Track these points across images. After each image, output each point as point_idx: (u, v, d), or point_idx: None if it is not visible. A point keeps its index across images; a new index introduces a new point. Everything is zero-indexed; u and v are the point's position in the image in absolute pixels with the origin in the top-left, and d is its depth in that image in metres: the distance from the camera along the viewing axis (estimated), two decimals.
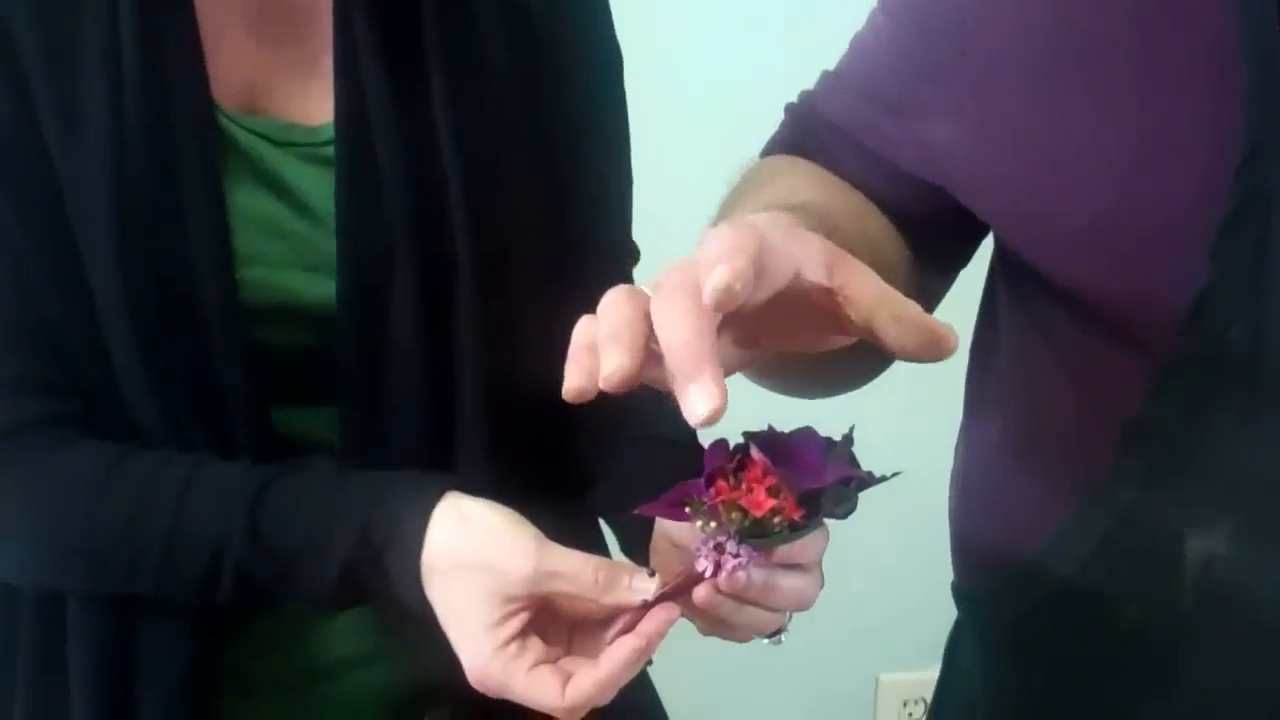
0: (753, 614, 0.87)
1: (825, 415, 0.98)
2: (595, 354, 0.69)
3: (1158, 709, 0.97)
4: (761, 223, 0.75)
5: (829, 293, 0.73)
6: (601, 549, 1.14)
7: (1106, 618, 0.96)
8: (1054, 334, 0.98)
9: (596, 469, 1.09)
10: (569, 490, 1.10)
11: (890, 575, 2.07)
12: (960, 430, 1.15)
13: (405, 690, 1.11)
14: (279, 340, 1.01)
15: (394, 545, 0.91)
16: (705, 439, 0.84)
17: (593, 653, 0.87)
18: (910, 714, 2.25)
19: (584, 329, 0.71)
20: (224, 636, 1.04)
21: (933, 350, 0.73)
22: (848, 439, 0.86)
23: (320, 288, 1.00)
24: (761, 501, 0.81)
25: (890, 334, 0.72)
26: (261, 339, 1.00)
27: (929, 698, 2.25)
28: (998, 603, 1.04)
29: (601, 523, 1.15)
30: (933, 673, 2.29)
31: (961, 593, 1.14)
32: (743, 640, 0.91)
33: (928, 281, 1.08)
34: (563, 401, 0.70)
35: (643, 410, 1.01)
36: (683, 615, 0.87)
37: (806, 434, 0.85)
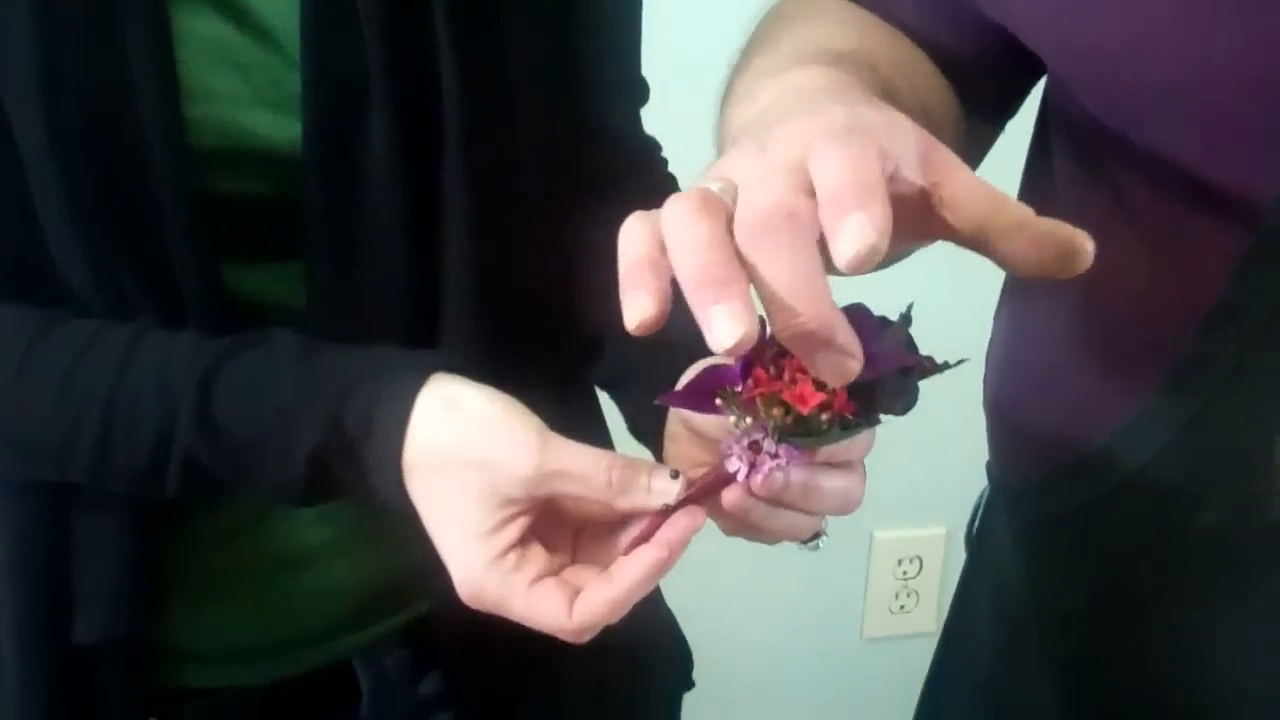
0: (788, 518, 0.77)
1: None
2: (661, 272, 0.58)
3: (1223, 628, 0.88)
4: (870, 117, 0.63)
5: (922, 192, 0.61)
6: (603, 436, 1.04)
7: (1176, 521, 0.87)
8: (1126, 198, 0.87)
9: (602, 334, 0.98)
10: (569, 367, 0.99)
11: (886, 428, 2.02)
12: (1002, 298, 1.04)
13: (380, 584, 1.00)
14: (233, 188, 0.88)
15: (371, 437, 0.79)
16: None
17: (602, 560, 0.77)
18: (905, 573, 2.17)
19: (638, 238, 0.59)
20: (172, 526, 0.93)
21: (1064, 265, 0.61)
22: (905, 319, 0.75)
23: (282, 127, 0.87)
24: (807, 396, 0.71)
25: (1011, 247, 0.60)
26: (212, 186, 0.87)
27: (925, 556, 2.19)
28: (1046, 493, 0.95)
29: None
30: (929, 530, 2.25)
31: (999, 478, 1.04)
32: (772, 543, 0.81)
33: (976, 135, 0.97)
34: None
35: None
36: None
37: (857, 312, 0.73)
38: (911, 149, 0.61)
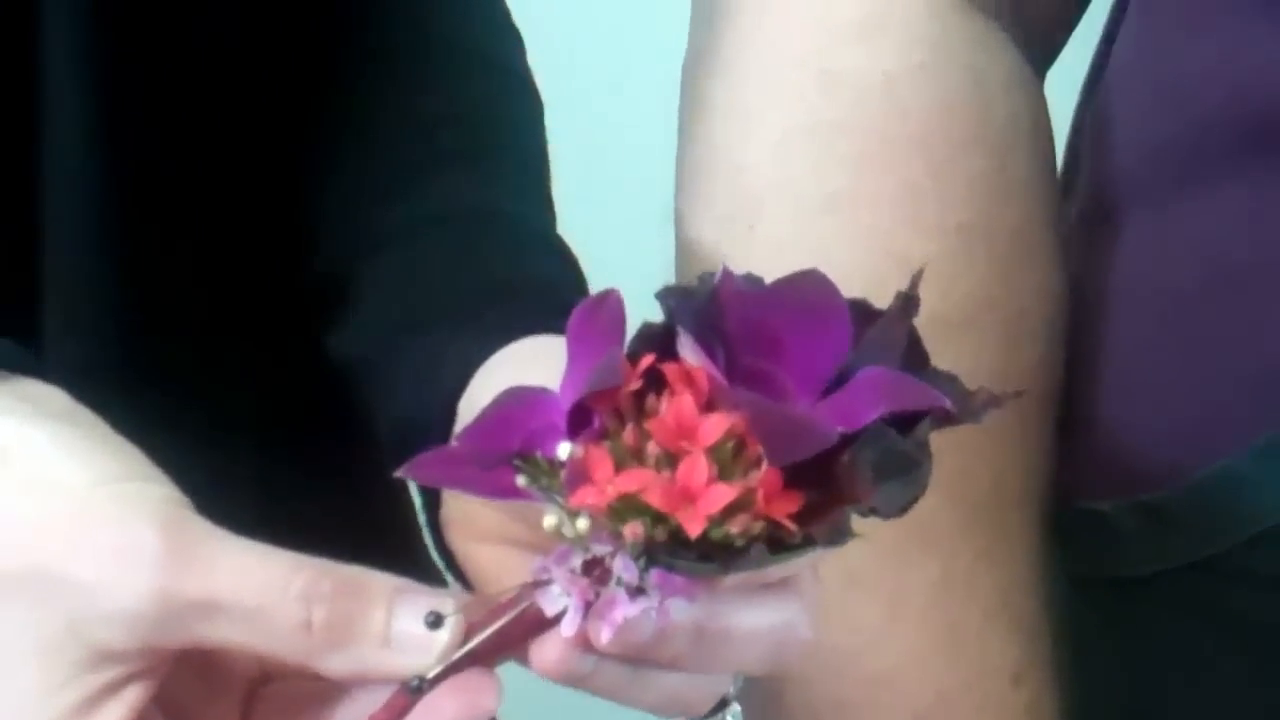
0: (667, 685, 0.45)
1: None
2: None
3: None
4: None
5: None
6: (391, 519, 0.66)
7: None
8: None
9: (342, 271, 0.62)
10: (282, 348, 0.63)
11: None
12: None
13: None
14: None
15: None
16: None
17: None
18: None
19: None
20: None
21: None
22: (907, 302, 0.42)
23: None
24: (699, 493, 0.38)
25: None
26: None
27: None
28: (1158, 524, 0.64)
29: None
30: None
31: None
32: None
33: None
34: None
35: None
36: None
37: (808, 291, 0.41)
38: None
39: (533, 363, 0.47)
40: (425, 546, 0.54)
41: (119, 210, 0.56)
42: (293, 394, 0.62)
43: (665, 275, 0.50)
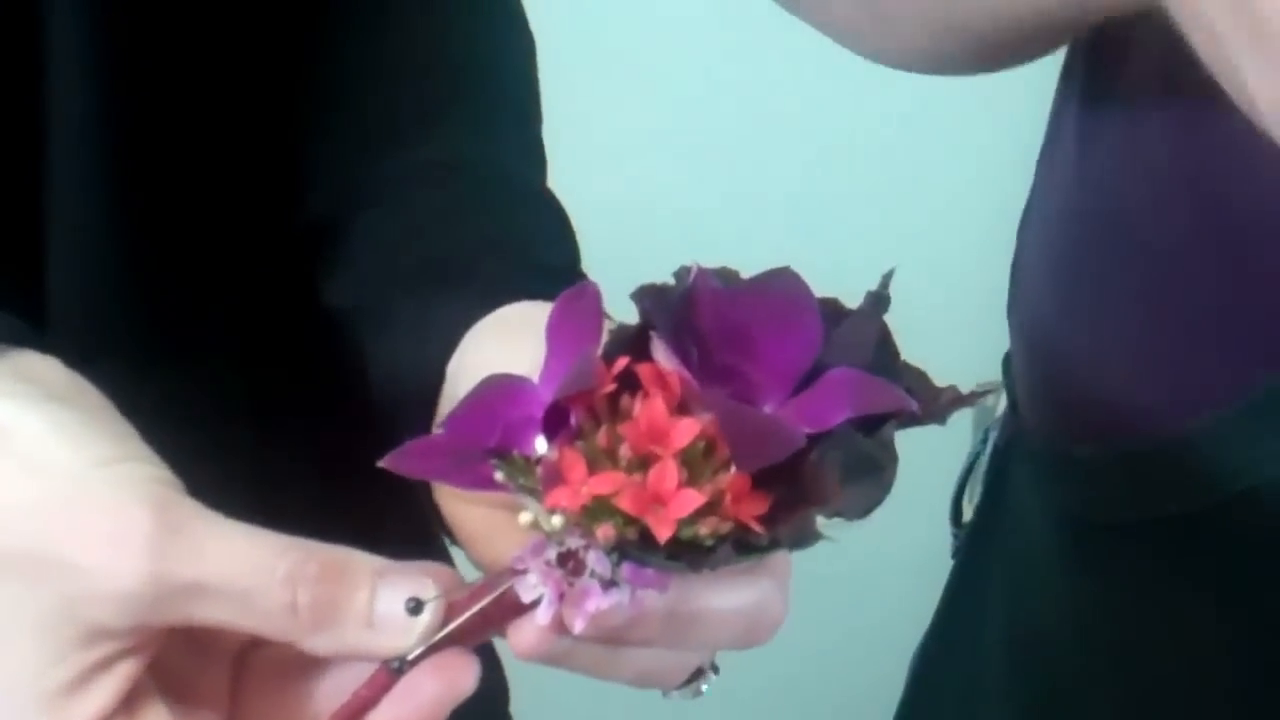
0: (644, 661, 0.47)
1: None
2: None
3: None
4: None
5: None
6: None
7: None
8: None
9: (336, 215, 0.62)
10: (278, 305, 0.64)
11: None
12: (1032, 199, 0.73)
13: None
14: None
15: None
16: None
17: (287, 708, 0.48)
18: None
19: None
20: None
21: None
22: (877, 300, 0.43)
23: None
24: (669, 497, 0.40)
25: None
26: None
27: None
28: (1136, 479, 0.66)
29: None
30: None
31: (1035, 432, 0.73)
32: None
33: None
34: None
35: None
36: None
37: (780, 291, 0.42)
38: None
39: (518, 332, 0.48)
40: (422, 513, 0.55)
41: (120, 170, 0.57)
42: (287, 364, 0.63)
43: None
